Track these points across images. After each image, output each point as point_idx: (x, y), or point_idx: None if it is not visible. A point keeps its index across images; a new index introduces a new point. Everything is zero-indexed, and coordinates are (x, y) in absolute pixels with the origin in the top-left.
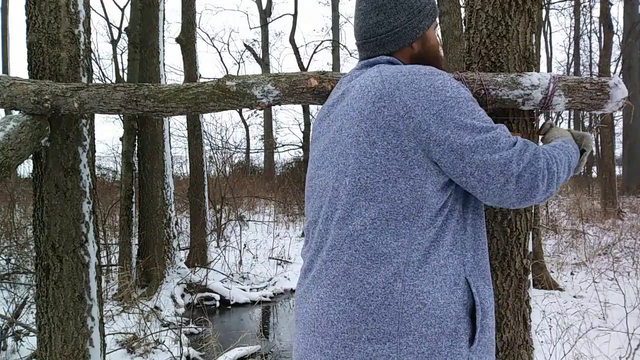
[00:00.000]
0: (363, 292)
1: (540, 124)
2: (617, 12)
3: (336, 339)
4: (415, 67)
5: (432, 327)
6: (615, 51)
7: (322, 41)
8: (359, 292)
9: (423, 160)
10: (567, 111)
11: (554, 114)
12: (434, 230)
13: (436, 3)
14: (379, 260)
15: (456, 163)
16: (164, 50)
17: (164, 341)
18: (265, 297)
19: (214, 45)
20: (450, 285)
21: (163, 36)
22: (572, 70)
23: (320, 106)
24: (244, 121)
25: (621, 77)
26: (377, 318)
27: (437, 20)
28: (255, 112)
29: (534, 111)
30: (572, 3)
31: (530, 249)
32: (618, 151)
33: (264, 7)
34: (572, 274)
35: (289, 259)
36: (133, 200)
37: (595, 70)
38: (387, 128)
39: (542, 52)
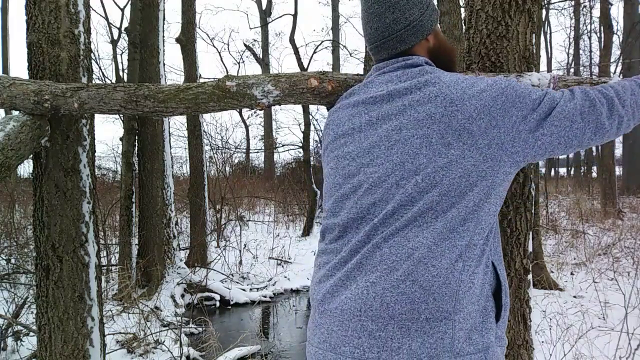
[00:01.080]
0: (427, 273)
1: None
2: (617, 12)
3: (391, 320)
4: (458, 73)
5: (474, 304)
6: (615, 51)
7: (322, 41)
8: (422, 274)
9: (496, 153)
10: None
11: None
12: (494, 217)
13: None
14: (443, 245)
15: (528, 137)
16: (164, 50)
17: (164, 341)
18: (265, 297)
19: (214, 45)
20: (483, 267)
21: (163, 36)
22: (572, 70)
23: (320, 106)
24: (244, 121)
25: (621, 77)
26: (437, 297)
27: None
28: (255, 112)
29: None
30: (572, 3)
31: (530, 249)
32: (618, 151)
33: (264, 7)
34: (572, 274)
35: (289, 259)
36: (133, 200)
37: (595, 70)
38: (462, 130)
39: (542, 52)
